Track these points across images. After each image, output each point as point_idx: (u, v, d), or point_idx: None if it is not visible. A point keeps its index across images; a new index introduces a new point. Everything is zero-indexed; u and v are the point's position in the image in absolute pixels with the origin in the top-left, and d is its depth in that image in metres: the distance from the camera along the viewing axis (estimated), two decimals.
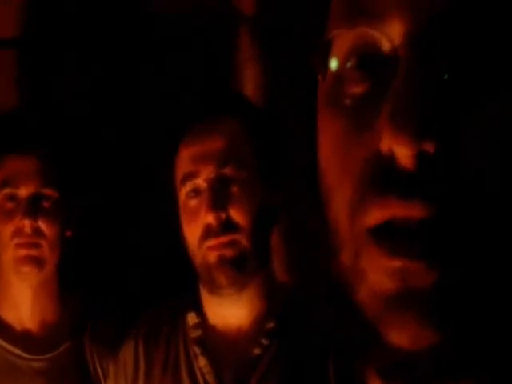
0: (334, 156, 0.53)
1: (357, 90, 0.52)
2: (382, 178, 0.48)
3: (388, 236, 0.48)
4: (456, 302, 0.47)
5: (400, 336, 0.48)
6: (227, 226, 1.38)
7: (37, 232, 1.67)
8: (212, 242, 1.39)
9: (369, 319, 0.50)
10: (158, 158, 1.57)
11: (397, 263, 0.48)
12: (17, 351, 1.71)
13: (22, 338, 1.73)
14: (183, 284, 1.54)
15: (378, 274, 0.49)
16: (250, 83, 2.03)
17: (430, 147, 0.46)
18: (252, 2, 2.07)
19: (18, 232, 1.66)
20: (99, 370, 1.74)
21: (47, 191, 1.69)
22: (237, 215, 1.39)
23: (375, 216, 0.49)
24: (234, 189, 1.40)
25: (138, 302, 1.83)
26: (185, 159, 1.45)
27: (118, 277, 2.10)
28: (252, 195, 1.41)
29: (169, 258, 2.03)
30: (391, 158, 0.48)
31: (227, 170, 1.40)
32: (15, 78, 2.24)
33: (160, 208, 1.78)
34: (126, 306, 1.87)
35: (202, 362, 1.44)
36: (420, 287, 0.47)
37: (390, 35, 0.50)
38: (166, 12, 2.21)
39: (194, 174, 1.42)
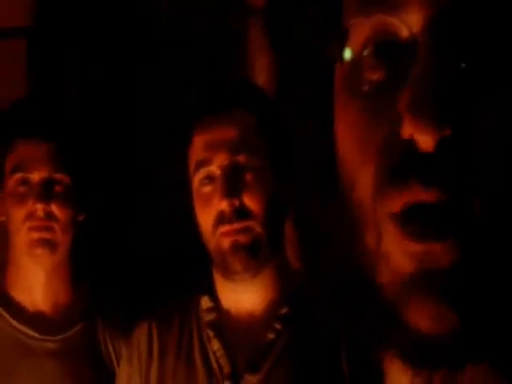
0: (353, 139, 0.54)
1: (374, 76, 0.53)
2: (402, 163, 0.49)
3: (409, 219, 0.49)
4: (475, 285, 0.48)
5: (420, 318, 0.49)
6: (240, 213, 1.39)
7: (49, 216, 1.68)
8: (225, 228, 1.40)
9: (389, 302, 0.51)
10: (158, 157, 1.57)
11: (417, 247, 0.49)
12: (29, 332, 1.72)
13: (35, 319, 1.75)
14: (194, 272, 1.55)
15: (398, 257, 0.50)
16: (261, 74, 2.03)
17: (450, 133, 0.47)
18: None
19: (31, 216, 1.68)
20: (112, 352, 1.76)
21: (59, 176, 1.71)
22: (250, 202, 1.40)
23: (397, 202, 0.50)
24: (247, 176, 1.41)
25: (146, 293, 1.85)
26: (198, 147, 1.45)
27: (121, 274, 2.11)
28: (265, 183, 1.42)
29: (170, 255, 2.06)
30: (411, 143, 0.48)
31: (240, 158, 1.41)
32: (25, 65, 2.24)
33: (160, 206, 1.79)
34: (136, 292, 1.90)
35: (215, 345, 1.45)
36: (439, 269, 0.48)
37: (409, 22, 0.50)
38: (171, 11, 2.21)
39: (207, 161, 1.43)
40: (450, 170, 0.48)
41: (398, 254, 0.50)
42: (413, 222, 0.49)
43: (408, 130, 0.48)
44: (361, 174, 0.53)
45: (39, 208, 1.67)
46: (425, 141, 0.48)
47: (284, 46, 1.88)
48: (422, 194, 0.48)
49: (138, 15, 2.24)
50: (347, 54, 0.55)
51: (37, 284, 1.75)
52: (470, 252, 0.48)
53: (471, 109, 0.48)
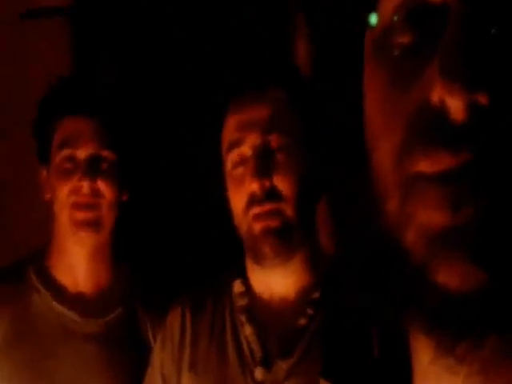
0: (381, 103, 0.54)
1: (405, 40, 0.53)
2: (430, 128, 0.49)
3: (439, 184, 0.48)
4: (505, 243, 0.47)
5: (449, 275, 0.48)
6: (271, 195, 1.36)
7: (95, 193, 1.68)
8: (256, 210, 1.36)
9: (417, 262, 0.50)
10: (198, 139, 1.54)
11: (447, 189, 0.48)
12: (70, 314, 1.72)
13: (76, 302, 1.74)
14: (230, 256, 1.53)
15: (427, 209, 0.49)
16: (299, 53, 1.99)
17: (482, 98, 0.47)
18: None
19: (76, 191, 1.67)
20: (151, 337, 1.74)
21: (105, 153, 1.70)
22: (281, 184, 1.37)
23: (422, 166, 0.49)
24: (279, 157, 1.38)
25: (188, 273, 1.82)
26: (231, 127, 1.43)
27: (169, 248, 2.10)
28: (297, 164, 1.39)
29: (207, 240, 2.05)
30: (441, 109, 0.48)
31: (272, 138, 1.38)
32: (68, 44, 2.26)
33: (198, 192, 1.75)
34: (176, 275, 1.87)
35: (247, 330, 1.43)
36: (468, 226, 0.47)
37: None
38: None
39: (239, 142, 1.40)
40: (480, 137, 0.47)
41: (426, 210, 0.49)
42: (443, 187, 0.48)
43: (438, 93, 0.48)
44: (384, 139, 0.53)
45: (85, 185, 1.66)
46: (455, 105, 0.47)
47: (321, 35, 1.84)
48: (447, 161, 0.48)
49: None
50: (377, 18, 0.55)
51: (79, 265, 1.75)
52: (501, 211, 0.47)
53: (504, 76, 0.47)
